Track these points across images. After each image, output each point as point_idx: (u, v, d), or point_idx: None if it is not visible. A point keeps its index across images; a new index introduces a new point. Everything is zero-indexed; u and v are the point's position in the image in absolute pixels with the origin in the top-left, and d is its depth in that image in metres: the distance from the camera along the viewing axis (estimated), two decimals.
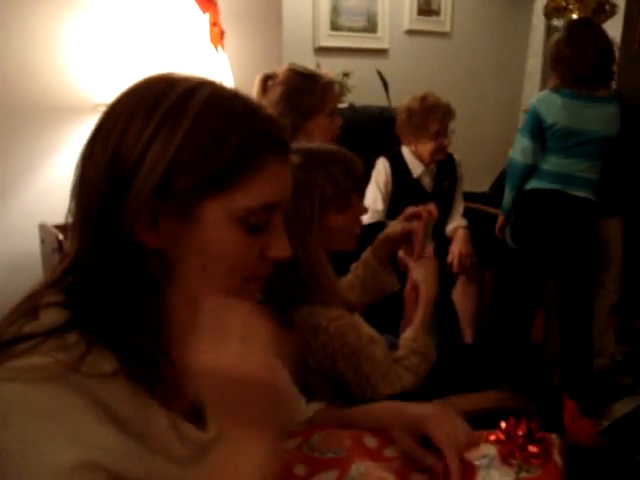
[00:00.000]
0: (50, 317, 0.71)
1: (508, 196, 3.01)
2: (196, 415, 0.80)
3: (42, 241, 2.33)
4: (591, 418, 2.62)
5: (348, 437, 1.06)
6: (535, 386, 1.58)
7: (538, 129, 2.86)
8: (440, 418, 1.03)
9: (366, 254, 1.71)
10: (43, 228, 2.32)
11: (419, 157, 2.91)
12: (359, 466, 0.98)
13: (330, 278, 1.42)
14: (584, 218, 2.89)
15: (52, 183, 2.45)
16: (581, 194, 2.86)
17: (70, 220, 0.79)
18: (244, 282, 0.78)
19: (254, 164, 0.72)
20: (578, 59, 2.77)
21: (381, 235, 1.70)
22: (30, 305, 0.74)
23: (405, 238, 1.64)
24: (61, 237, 2.11)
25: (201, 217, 0.71)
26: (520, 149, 2.90)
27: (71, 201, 0.78)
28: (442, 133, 2.85)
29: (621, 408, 2.91)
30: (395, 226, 1.67)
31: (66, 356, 0.67)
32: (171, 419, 0.76)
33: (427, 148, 2.86)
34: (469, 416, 1.08)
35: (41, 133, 2.42)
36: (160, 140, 0.68)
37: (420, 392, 1.47)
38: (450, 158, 3.03)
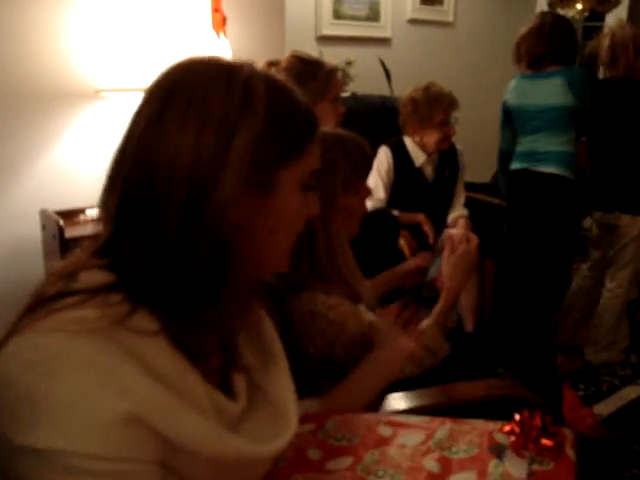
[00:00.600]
0: (94, 277, 0.74)
1: (500, 181, 3.29)
2: (227, 387, 0.85)
3: (43, 227, 2.33)
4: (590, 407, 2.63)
5: (362, 425, 1.07)
6: (535, 375, 1.58)
7: (505, 114, 3.20)
8: None
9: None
10: (44, 214, 2.31)
11: (423, 147, 2.91)
12: (374, 453, 0.99)
13: (348, 261, 1.43)
14: (552, 194, 2.94)
15: (53, 169, 2.45)
16: (548, 170, 2.94)
17: (111, 197, 0.80)
18: (292, 243, 0.87)
19: (312, 133, 0.83)
20: (532, 40, 3.01)
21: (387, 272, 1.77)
22: (72, 268, 0.76)
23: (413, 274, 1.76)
24: (62, 223, 2.11)
25: (278, 184, 0.79)
26: (500, 136, 3.22)
27: (115, 178, 0.80)
28: (447, 123, 2.85)
29: (620, 398, 2.92)
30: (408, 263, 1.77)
31: (112, 312, 0.70)
32: (207, 388, 0.78)
33: (433, 138, 2.86)
34: (471, 403, 1.09)
35: (43, 119, 2.41)
36: (243, 127, 0.75)
37: (422, 379, 1.48)
38: (452, 147, 3.02)
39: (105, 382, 0.65)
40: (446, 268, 1.61)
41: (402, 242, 2.74)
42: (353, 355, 1.38)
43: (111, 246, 0.77)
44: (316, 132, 0.85)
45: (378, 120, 3.32)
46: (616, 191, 3.09)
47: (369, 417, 1.10)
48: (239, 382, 0.87)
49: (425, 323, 1.54)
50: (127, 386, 0.66)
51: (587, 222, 4.24)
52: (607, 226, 3.19)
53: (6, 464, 0.66)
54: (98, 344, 0.67)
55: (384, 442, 1.02)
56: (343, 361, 1.38)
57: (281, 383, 0.92)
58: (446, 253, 1.63)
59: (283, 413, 0.89)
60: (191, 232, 0.73)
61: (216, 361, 0.84)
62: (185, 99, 0.76)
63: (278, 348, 0.96)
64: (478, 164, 3.69)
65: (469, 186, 3.24)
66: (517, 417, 1.02)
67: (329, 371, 1.39)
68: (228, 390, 0.84)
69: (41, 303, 0.72)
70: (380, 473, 0.95)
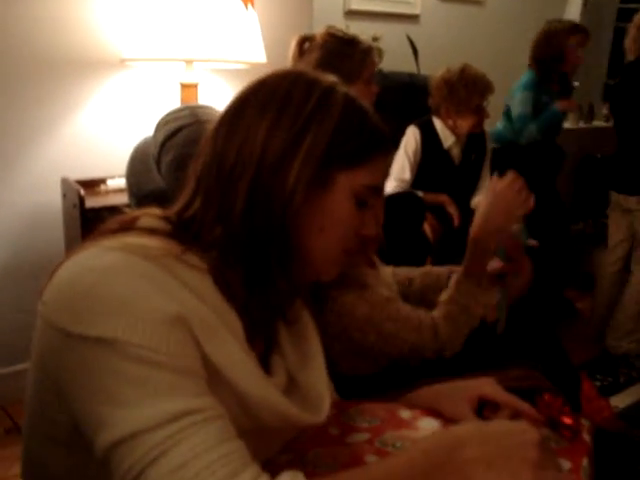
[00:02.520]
0: (154, 222, 0.85)
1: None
2: (267, 370, 0.89)
3: (64, 196, 2.32)
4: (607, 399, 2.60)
5: (382, 409, 1.10)
6: (554, 365, 1.55)
7: None
8: (491, 382, 1.12)
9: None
10: (65, 183, 2.31)
11: (454, 129, 2.87)
12: (392, 434, 1.02)
13: None
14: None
15: (76, 138, 2.44)
16: None
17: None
18: (340, 254, 0.91)
19: (375, 153, 0.89)
20: None
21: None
22: (136, 214, 0.87)
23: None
24: (82, 192, 2.10)
25: (334, 184, 0.86)
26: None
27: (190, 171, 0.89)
28: (483, 107, 2.81)
29: (637, 391, 2.89)
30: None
31: (169, 246, 0.79)
32: (249, 349, 0.83)
33: (468, 122, 2.82)
34: None
35: (67, 87, 2.40)
36: (315, 126, 0.84)
37: (438, 369, 1.45)
38: (481, 130, 2.97)
39: (157, 287, 0.72)
40: (481, 207, 1.39)
41: (425, 225, 2.70)
42: (374, 333, 1.36)
43: (184, 211, 0.87)
44: (381, 151, 0.91)
45: (405, 98, 3.26)
46: (638, 175, 3.04)
47: (390, 405, 1.12)
48: (278, 368, 0.93)
49: (453, 277, 1.44)
50: (176, 296, 0.74)
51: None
52: (628, 210, 3.13)
53: (62, 354, 0.72)
54: (153, 266, 0.74)
55: (404, 425, 1.05)
56: (364, 342, 1.37)
57: (316, 379, 0.96)
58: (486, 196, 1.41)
59: (314, 404, 0.92)
60: (256, 211, 0.81)
61: (257, 345, 0.88)
62: (266, 96, 0.86)
63: (317, 346, 1.01)
64: None
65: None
66: (538, 399, 1.07)
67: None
68: (266, 371, 0.89)
69: (105, 233, 0.82)
70: (398, 444, 0.98)
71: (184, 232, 0.84)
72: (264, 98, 0.86)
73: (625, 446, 2.36)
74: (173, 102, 2.50)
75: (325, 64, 1.98)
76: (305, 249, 0.87)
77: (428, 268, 1.65)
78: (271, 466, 0.89)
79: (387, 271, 1.59)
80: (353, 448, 0.98)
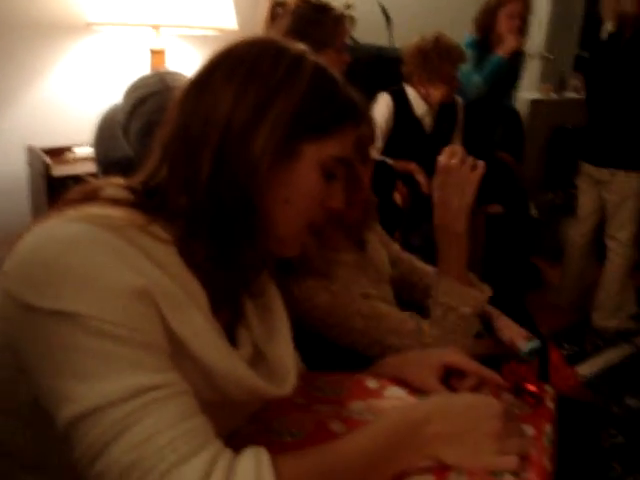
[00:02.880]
0: (118, 193, 0.83)
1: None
2: (232, 341, 0.89)
3: (29, 164, 2.28)
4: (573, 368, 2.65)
5: (349, 379, 1.10)
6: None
7: None
8: (456, 350, 1.13)
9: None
10: (31, 151, 2.26)
11: (426, 98, 2.86)
12: (359, 403, 1.02)
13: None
14: None
15: (41, 104, 2.39)
16: None
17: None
18: (303, 227, 0.90)
19: (345, 123, 0.88)
20: None
21: None
22: (101, 183, 0.85)
23: None
24: (49, 161, 2.06)
25: (301, 155, 0.84)
26: None
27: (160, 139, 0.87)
28: (455, 76, 2.80)
29: (603, 360, 2.95)
30: None
31: (133, 217, 0.78)
32: (214, 321, 0.82)
33: (440, 91, 2.82)
34: None
35: (30, 52, 2.33)
36: (283, 94, 0.82)
37: None
38: (452, 100, 2.97)
39: (121, 260, 0.71)
40: (434, 194, 1.33)
41: (395, 193, 2.71)
42: (338, 326, 1.30)
43: (149, 180, 0.85)
44: (351, 123, 0.89)
45: (374, 71, 3.23)
46: (611, 147, 3.06)
47: (356, 375, 1.12)
48: (244, 340, 0.92)
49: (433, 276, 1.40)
50: (140, 268, 0.72)
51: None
52: (598, 181, 3.16)
53: (23, 327, 0.71)
54: (117, 237, 0.73)
55: (370, 394, 1.05)
56: (328, 335, 1.32)
57: (282, 351, 0.95)
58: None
59: (280, 377, 0.92)
60: (221, 179, 0.80)
61: (223, 316, 0.87)
62: (234, 63, 0.84)
63: (283, 319, 1.00)
64: None
65: None
66: (505, 367, 1.09)
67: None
68: (232, 343, 0.87)
69: (68, 203, 0.80)
70: (365, 414, 0.98)
71: (149, 202, 0.82)
72: (232, 65, 0.84)
73: (589, 414, 2.41)
74: (142, 68, 2.45)
75: (296, 31, 1.96)
76: (270, 221, 0.85)
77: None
78: (236, 438, 0.90)
79: (383, 253, 1.54)
80: (318, 416, 0.97)
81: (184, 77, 1.59)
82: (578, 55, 5.36)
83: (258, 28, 2.01)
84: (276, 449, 0.71)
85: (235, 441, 0.89)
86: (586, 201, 3.29)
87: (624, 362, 2.96)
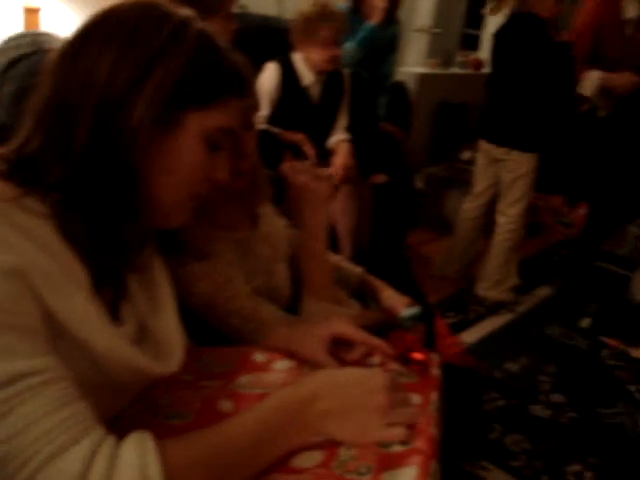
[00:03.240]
0: None
1: None
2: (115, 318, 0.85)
3: None
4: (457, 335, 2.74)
5: (237, 353, 1.08)
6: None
7: None
8: (343, 320, 1.12)
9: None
10: None
11: (310, 65, 2.83)
12: (246, 377, 1.00)
13: None
14: None
15: None
16: None
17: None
18: (188, 199, 0.88)
19: (229, 94, 0.86)
20: None
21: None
22: None
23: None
24: None
25: (183, 125, 0.82)
26: None
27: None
28: (334, 43, 2.76)
29: (485, 327, 3.07)
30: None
31: (3, 190, 0.73)
32: (95, 299, 0.77)
33: (318, 56, 2.78)
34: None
35: None
36: (164, 61, 0.79)
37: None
38: (338, 71, 2.95)
39: None
40: (290, 208, 1.31)
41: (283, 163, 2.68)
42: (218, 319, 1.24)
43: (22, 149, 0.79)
44: (237, 92, 0.87)
45: (261, 42, 3.16)
46: (508, 127, 3.14)
47: (244, 348, 1.10)
48: (128, 316, 0.89)
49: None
50: (13, 245, 0.67)
51: (465, 155, 4.37)
52: (494, 159, 3.25)
53: None
54: None
55: (258, 368, 1.04)
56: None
57: (168, 326, 0.93)
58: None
59: (166, 353, 0.89)
60: (98, 148, 0.76)
61: (105, 293, 0.84)
62: (113, 27, 0.79)
63: (168, 293, 0.97)
64: None
65: None
66: (391, 336, 1.10)
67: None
68: (115, 320, 0.85)
69: None
70: (252, 388, 0.97)
71: (22, 173, 0.76)
72: (110, 29, 0.79)
73: (471, 379, 2.50)
74: (15, 28, 2.27)
75: None
76: (151, 192, 0.82)
77: (341, 263, 1.58)
78: (122, 419, 0.87)
79: (280, 227, 1.45)
80: (206, 394, 0.95)
81: (60, 39, 1.48)
82: (464, 33, 5.50)
83: None
84: (164, 432, 0.68)
85: (121, 423, 0.85)
86: (482, 177, 3.38)
87: (505, 329, 3.09)
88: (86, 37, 0.80)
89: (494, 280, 3.34)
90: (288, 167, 1.30)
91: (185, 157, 0.83)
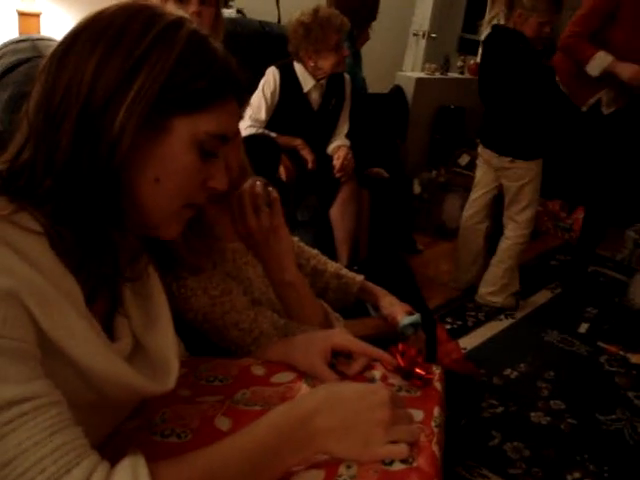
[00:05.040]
0: None
1: None
2: (110, 333, 0.84)
3: None
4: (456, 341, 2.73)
5: (235, 366, 1.06)
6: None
7: None
8: (342, 331, 1.13)
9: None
10: None
11: (315, 72, 2.85)
12: (245, 392, 0.99)
13: None
14: None
15: None
16: None
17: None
18: (182, 208, 0.85)
19: (221, 98, 0.82)
20: None
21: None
22: None
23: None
24: None
25: (170, 131, 0.78)
26: None
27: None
28: (341, 45, 2.80)
29: (483, 333, 3.06)
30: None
31: None
32: (89, 315, 0.76)
33: (329, 62, 2.80)
34: None
35: None
36: (150, 63, 0.76)
37: None
38: (340, 76, 2.97)
39: None
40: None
41: (280, 167, 2.68)
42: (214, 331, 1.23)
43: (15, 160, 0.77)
44: (229, 96, 0.83)
45: (258, 47, 3.16)
46: (509, 136, 3.10)
47: (242, 360, 1.09)
48: (122, 330, 0.87)
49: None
50: (6, 266, 0.66)
51: (464, 159, 4.37)
52: (496, 167, 3.20)
53: None
54: None
55: (257, 382, 1.02)
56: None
57: (164, 342, 0.90)
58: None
59: (161, 371, 0.87)
60: (81, 156, 0.74)
61: (100, 304, 0.83)
62: (100, 29, 0.77)
63: (163, 305, 0.94)
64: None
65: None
66: (393, 350, 1.08)
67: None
68: (110, 335, 0.84)
69: None
70: (251, 404, 0.96)
71: (15, 186, 0.74)
72: (98, 31, 0.77)
73: (470, 386, 2.49)
74: (9, 34, 2.26)
75: None
76: (139, 200, 0.80)
77: (341, 271, 1.58)
78: (118, 436, 0.85)
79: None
80: (203, 410, 0.93)
81: None
82: (461, 37, 5.51)
83: None
84: (160, 452, 0.67)
85: (117, 439, 0.84)
86: (482, 183, 3.33)
87: (504, 335, 3.08)
88: (75, 40, 0.78)
89: (500, 285, 3.31)
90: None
91: (174, 165, 0.80)
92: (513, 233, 3.26)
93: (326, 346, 1.06)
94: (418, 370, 1.03)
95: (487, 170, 3.28)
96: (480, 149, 3.29)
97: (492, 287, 3.33)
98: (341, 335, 1.09)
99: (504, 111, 3.09)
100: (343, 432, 0.79)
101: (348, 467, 0.79)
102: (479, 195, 3.36)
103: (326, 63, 2.80)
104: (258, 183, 1.18)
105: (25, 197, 0.73)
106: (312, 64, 2.82)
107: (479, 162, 3.36)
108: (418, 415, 0.92)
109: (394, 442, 0.81)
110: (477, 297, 3.38)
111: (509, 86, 3.00)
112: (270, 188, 1.20)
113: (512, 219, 3.26)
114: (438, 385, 1.04)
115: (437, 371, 1.08)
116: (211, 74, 0.80)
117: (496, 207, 3.37)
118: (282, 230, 1.22)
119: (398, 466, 0.79)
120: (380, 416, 0.80)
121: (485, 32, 3.09)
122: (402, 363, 1.04)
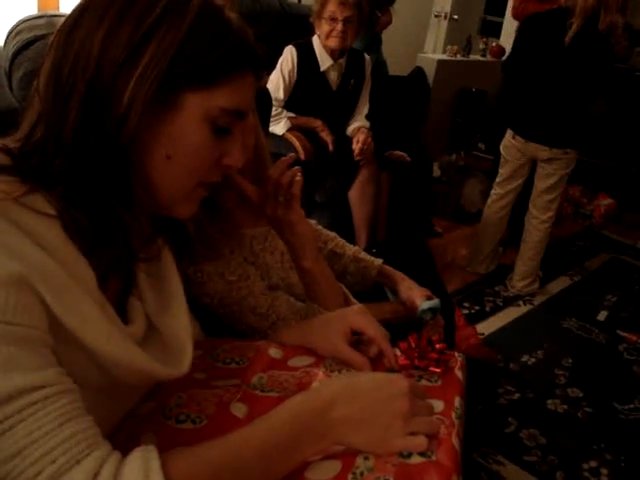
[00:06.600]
0: None
1: None
2: (123, 314, 0.82)
3: None
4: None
5: (252, 348, 1.03)
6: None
7: None
8: (361, 310, 1.07)
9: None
10: None
11: (326, 48, 2.80)
12: (261, 376, 0.96)
13: None
14: None
15: None
16: None
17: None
18: (195, 186, 0.82)
19: (236, 71, 0.78)
20: None
21: None
22: None
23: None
24: None
25: (181, 106, 0.75)
26: None
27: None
28: (338, 19, 2.72)
29: (501, 318, 3.04)
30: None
31: (8, 188, 0.68)
32: (102, 298, 0.75)
33: (322, 30, 2.76)
34: None
35: None
36: (161, 33, 0.73)
37: None
38: (361, 56, 2.93)
39: None
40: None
41: (297, 144, 2.66)
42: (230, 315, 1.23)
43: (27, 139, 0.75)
44: (243, 70, 0.79)
45: (276, 27, 3.13)
46: (559, 128, 3.02)
47: (259, 342, 1.07)
48: (136, 313, 0.85)
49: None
50: (18, 250, 0.65)
51: (483, 144, 4.33)
52: (533, 158, 3.14)
53: None
54: None
55: (275, 365, 1.00)
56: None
57: (178, 324, 0.88)
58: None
59: (175, 354, 0.85)
60: (90, 131, 0.72)
61: (113, 285, 0.82)
62: (108, 0, 0.74)
63: (177, 287, 0.92)
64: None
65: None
66: (409, 337, 1.04)
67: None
68: (123, 317, 0.82)
69: None
70: (267, 389, 0.93)
71: (27, 166, 0.72)
72: (105, 3, 0.73)
73: (487, 372, 2.48)
74: (28, 10, 2.26)
75: None
76: (150, 179, 0.78)
77: (360, 254, 1.56)
78: (132, 420, 0.84)
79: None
80: (219, 394, 0.91)
81: None
82: (484, 19, 5.43)
83: None
84: (174, 437, 0.65)
85: (130, 423, 0.83)
86: (515, 174, 3.24)
87: (521, 321, 3.06)
88: (82, 13, 0.74)
89: (524, 274, 3.30)
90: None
91: (185, 142, 0.77)
92: (547, 223, 3.22)
93: (345, 326, 1.02)
94: (431, 355, 1.00)
95: (524, 163, 3.18)
96: (515, 142, 3.14)
97: (529, 279, 3.32)
98: (357, 316, 1.05)
99: (567, 104, 3.00)
100: (361, 423, 0.77)
101: (365, 459, 0.77)
102: (509, 190, 3.28)
103: (321, 32, 2.76)
104: (288, 173, 1.15)
105: (37, 178, 0.71)
106: (318, 33, 2.80)
107: (510, 154, 3.21)
108: (438, 406, 0.89)
109: (413, 434, 0.78)
110: (511, 288, 3.35)
111: (592, 81, 2.95)
112: (295, 179, 1.16)
113: (548, 209, 3.20)
114: (459, 374, 1.01)
115: (459, 359, 1.05)
116: (225, 46, 0.77)
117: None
118: (298, 227, 1.17)
119: (417, 459, 0.77)
120: (399, 407, 0.78)
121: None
122: (404, 361, 1.00)
